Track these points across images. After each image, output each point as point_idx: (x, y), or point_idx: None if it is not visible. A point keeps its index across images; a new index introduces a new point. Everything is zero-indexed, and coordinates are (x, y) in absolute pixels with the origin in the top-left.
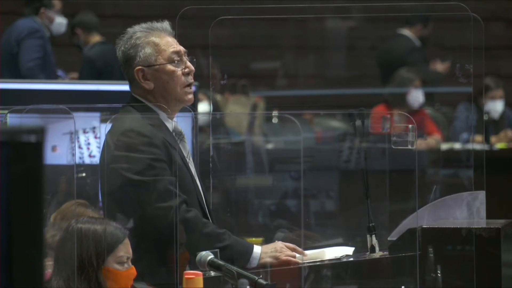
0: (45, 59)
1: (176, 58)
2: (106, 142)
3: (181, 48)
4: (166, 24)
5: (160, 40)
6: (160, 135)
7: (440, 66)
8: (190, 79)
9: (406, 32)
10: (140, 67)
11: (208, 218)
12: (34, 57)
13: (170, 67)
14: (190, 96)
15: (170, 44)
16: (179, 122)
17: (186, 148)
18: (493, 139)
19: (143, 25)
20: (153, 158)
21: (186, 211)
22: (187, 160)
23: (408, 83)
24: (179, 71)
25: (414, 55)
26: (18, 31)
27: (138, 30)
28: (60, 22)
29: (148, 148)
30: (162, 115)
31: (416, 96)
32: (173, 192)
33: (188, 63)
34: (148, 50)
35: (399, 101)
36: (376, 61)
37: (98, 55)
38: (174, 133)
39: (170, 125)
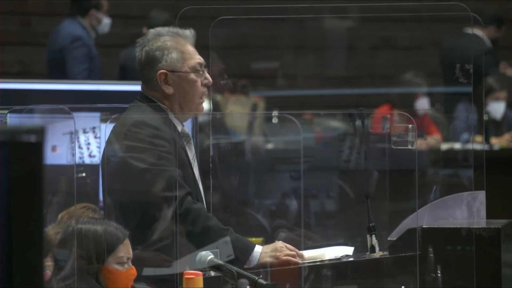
0: (91, 67)
1: (199, 68)
2: (112, 134)
3: (203, 60)
4: (191, 33)
5: (186, 48)
6: (169, 130)
7: (510, 70)
8: (206, 90)
9: (478, 32)
10: (164, 70)
11: None
12: (80, 70)
13: (193, 76)
14: (202, 106)
15: (195, 53)
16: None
17: (192, 150)
18: (494, 140)
19: (170, 29)
20: (161, 150)
21: (192, 202)
22: (192, 162)
23: (416, 87)
24: (199, 81)
25: (487, 57)
26: (61, 36)
27: (165, 33)
28: (106, 23)
29: (157, 140)
30: (171, 116)
31: (423, 104)
32: (179, 183)
33: (207, 75)
34: (175, 55)
35: (405, 103)
36: (439, 58)
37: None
38: (181, 135)
39: (179, 126)
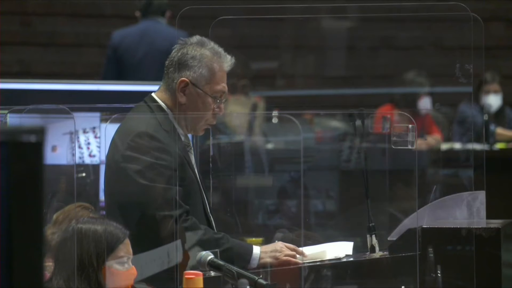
0: None
1: (218, 96)
2: (116, 138)
3: (226, 89)
4: (232, 60)
5: (218, 71)
6: (173, 143)
7: None
8: (214, 120)
9: None
10: (186, 79)
11: (211, 225)
12: None
13: (209, 100)
14: (203, 132)
15: (222, 80)
16: None
17: (193, 158)
18: (499, 130)
19: (215, 46)
20: (163, 165)
21: (184, 220)
22: (195, 169)
23: (418, 86)
24: (213, 107)
25: None
26: (167, 37)
27: (208, 47)
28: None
29: (160, 154)
30: (176, 124)
31: (426, 103)
32: (176, 202)
33: (222, 106)
34: (204, 72)
35: (408, 103)
36: None
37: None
38: (184, 143)
39: (182, 135)
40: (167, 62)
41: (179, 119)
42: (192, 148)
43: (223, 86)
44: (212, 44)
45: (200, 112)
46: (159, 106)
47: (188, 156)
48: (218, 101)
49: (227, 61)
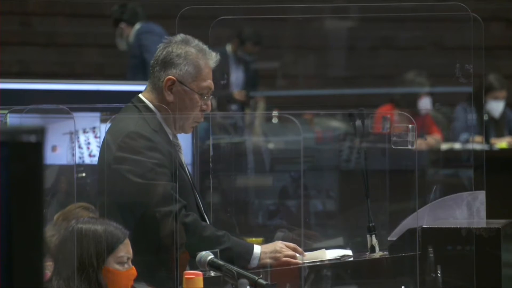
0: None
1: (205, 93)
2: (107, 141)
3: (213, 86)
4: (217, 57)
5: (204, 68)
6: (163, 142)
7: None
8: (202, 117)
9: None
10: (173, 77)
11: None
12: None
13: (197, 97)
14: (191, 130)
15: (208, 77)
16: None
17: (183, 158)
18: (493, 140)
19: (200, 44)
20: (156, 163)
21: (185, 215)
22: (185, 167)
23: (418, 86)
24: (200, 104)
25: None
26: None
27: (193, 44)
28: None
29: (152, 152)
30: (164, 123)
31: (426, 103)
32: (174, 197)
33: (209, 102)
34: (190, 69)
35: (408, 103)
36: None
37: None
38: (173, 143)
39: (170, 135)
40: (152, 61)
41: (167, 119)
42: (182, 149)
43: (209, 82)
44: (196, 41)
45: (188, 109)
46: (147, 107)
47: (178, 156)
48: (205, 98)
49: (212, 58)
